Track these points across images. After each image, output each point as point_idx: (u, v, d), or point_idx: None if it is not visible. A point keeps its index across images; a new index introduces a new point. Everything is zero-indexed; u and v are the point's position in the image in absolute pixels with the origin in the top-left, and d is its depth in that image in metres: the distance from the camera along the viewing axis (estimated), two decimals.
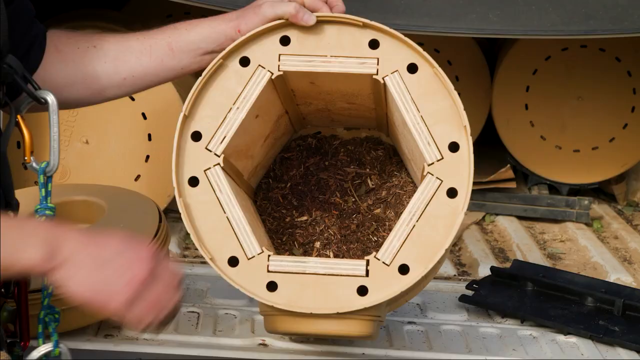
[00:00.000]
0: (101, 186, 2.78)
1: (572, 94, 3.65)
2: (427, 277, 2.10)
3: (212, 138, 1.94)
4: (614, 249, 3.30)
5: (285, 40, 1.96)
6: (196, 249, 3.03)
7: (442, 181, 1.89)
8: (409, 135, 1.97)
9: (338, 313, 1.91)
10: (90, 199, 2.57)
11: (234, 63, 1.97)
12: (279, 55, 1.95)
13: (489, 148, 3.80)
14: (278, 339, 2.35)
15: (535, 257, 3.12)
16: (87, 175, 3.05)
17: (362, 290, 1.90)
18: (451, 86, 1.92)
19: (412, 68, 1.93)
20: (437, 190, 1.89)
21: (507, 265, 2.96)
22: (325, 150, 2.39)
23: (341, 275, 1.90)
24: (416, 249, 1.89)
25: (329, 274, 1.91)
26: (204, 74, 1.96)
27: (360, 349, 2.34)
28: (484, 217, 3.52)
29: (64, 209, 2.51)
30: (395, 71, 1.93)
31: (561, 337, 2.48)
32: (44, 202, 1.74)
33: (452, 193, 1.90)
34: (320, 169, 2.33)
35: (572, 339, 2.48)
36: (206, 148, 1.93)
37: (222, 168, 1.93)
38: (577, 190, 3.72)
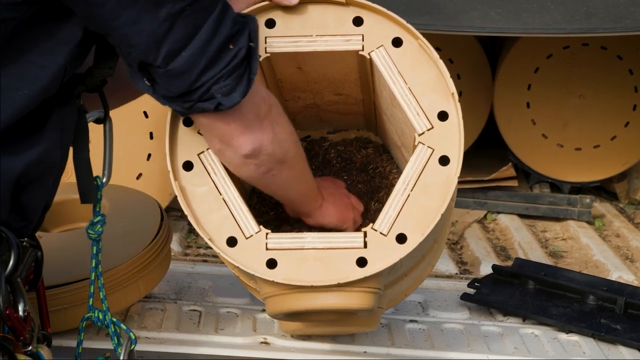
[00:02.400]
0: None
1: (573, 92, 3.65)
2: (426, 257, 2.12)
3: None
4: (616, 247, 3.30)
5: (270, 23, 1.96)
6: (198, 247, 3.06)
7: (433, 150, 1.91)
8: (399, 112, 1.98)
9: (339, 284, 1.91)
10: None
11: None
12: (265, 38, 1.96)
13: (490, 146, 3.80)
14: (280, 337, 2.36)
15: (537, 255, 3.12)
16: None
17: (362, 262, 1.91)
18: (436, 56, 1.94)
19: (397, 42, 1.96)
20: (429, 158, 1.91)
21: (509, 263, 2.96)
22: (316, 151, 2.41)
23: (340, 249, 1.90)
24: (412, 217, 1.90)
25: (327, 248, 1.92)
26: None
27: (362, 347, 2.34)
28: (485, 216, 3.52)
29: (66, 207, 2.51)
30: (381, 46, 1.95)
31: (563, 336, 2.48)
32: (100, 214, 2.00)
33: (444, 161, 1.91)
34: (311, 169, 2.36)
35: (574, 338, 2.47)
36: (199, 132, 1.94)
37: None
38: (578, 189, 3.72)
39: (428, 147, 1.91)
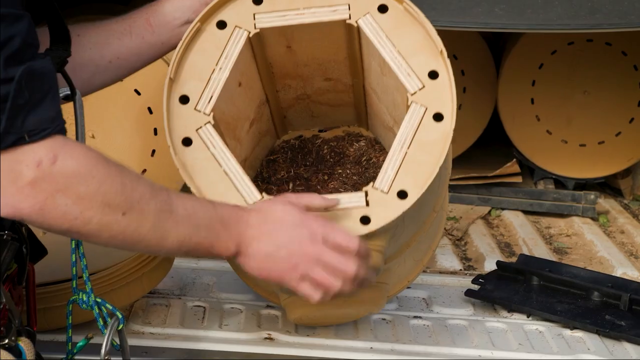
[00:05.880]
0: None
1: (578, 88, 3.64)
2: (426, 229, 2.12)
3: (199, 99, 1.97)
4: (620, 243, 3.29)
5: (258, 0, 2.00)
6: None
7: (427, 108, 1.93)
8: (389, 79, 2.00)
9: None
10: None
11: (211, 27, 2.01)
12: (254, 14, 1.99)
13: (494, 142, 3.79)
14: (284, 333, 2.36)
15: (541, 251, 3.12)
16: None
17: (365, 220, 1.91)
18: (423, 17, 1.97)
19: (383, 8, 1.99)
20: (423, 116, 1.92)
21: (513, 259, 2.96)
22: (309, 149, 2.44)
23: (342, 209, 1.90)
24: (411, 174, 1.91)
25: (330, 210, 1.91)
26: (183, 37, 2.00)
27: (367, 343, 2.34)
28: (489, 212, 3.51)
29: None
30: (367, 13, 1.98)
31: (567, 332, 2.48)
32: None
33: (438, 117, 1.93)
34: (306, 166, 2.37)
35: (579, 334, 2.47)
36: (195, 109, 1.96)
37: (213, 126, 1.97)
38: (583, 185, 3.72)
39: (421, 105, 1.93)
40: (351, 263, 1.71)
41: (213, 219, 1.66)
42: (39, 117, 1.50)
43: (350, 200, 1.90)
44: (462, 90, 3.64)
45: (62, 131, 1.54)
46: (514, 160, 3.58)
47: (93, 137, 3.07)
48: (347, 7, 1.98)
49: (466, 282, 2.72)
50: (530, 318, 2.55)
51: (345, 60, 2.16)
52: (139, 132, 3.09)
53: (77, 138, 1.85)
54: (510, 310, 2.58)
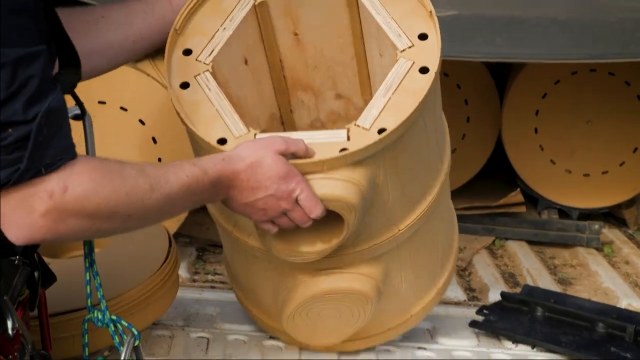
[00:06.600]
0: None
1: (581, 117, 3.65)
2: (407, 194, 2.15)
3: (201, 52, 2.08)
4: (625, 274, 3.28)
5: None
6: (206, 274, 3.05)
7: (414, 62, 2.02)
8: (386, 60, 2.06)
9: (322, 162, 1.93)
10: None
11: None
12: None
13: (498, 172, 3.79)
14: None
15: (546, 282, 3.11)
16: None
17: (344, 151, 1.96)
18: None
19: None
20: (409, 69, 2.01)
21: (518, 290, 2.95)
22: None
23: (324, 143, 1.96)
24: (393, 114, 1.97)
25: (313, 143, 1.96)
26: None
27: None
28: (493, 242, 3.51)
29: None
30: None
31: None
32: None
33: (424, 71, 2.01)
34: None
35: None
36: (196, 59, 2.06)
37: (211, 74, 2.05)
38: (587, 215, 3.71)
39: (408, 59, 2.02)
40: (309, 222, 1.93)
41: (205, 186, 1.81)
42: (55, 150, 1.57)
43: (332, 135, 1.97)
44: (465, 119, 3.65)
45: (74, 156, 1.60)
46: (518, 189, 3.58)
47: None
48: None
49: (470, 313, 2.71)
50: (534, 349, 2.53)
51: (352, 61, 2.19)
52: (143, 161, 3.09)
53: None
54: (515, 341, 2.56)
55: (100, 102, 3.01)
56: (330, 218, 1.96)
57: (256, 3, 2.12)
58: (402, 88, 1.99)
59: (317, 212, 1.90)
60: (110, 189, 1.64)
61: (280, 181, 1.86)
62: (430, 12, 2.05)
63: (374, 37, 2.15)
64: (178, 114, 1.99)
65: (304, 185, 1.88)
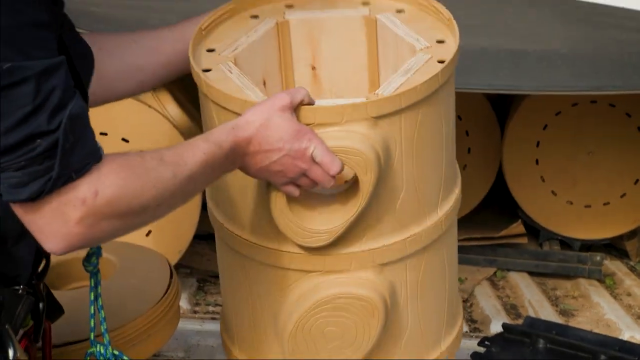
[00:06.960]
0: (112, 242, 2.77)
1: (582, 149, 3.66)
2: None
3: (224, 51, 2.10)
4: (627, 305, 3.27)
5: (290, 5, 2.19)
6: (207, 305, 3.05)
7: (431, 56, 2.03)
8: (400, 61, 2.12)
9: (342, 109, 1.92)
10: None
11: (244, 15, 2.18)
12: (284, 12, 2.17)
13: (499, 203, 3.80)
14: None
15: (548, 313, 3.10)
16: None
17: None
18: (436, 4, 2.13)
19: (400, 11, 2.18)
20: (428, 60, 2.02)
21: (519, 321, 2.94)
22: None
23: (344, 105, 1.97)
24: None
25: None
26: (221, 7, 2.15)
27: None
28: (495, 273, 3.50)
29: (76, 265, 2.51)
30: (385, 12, 2.18)
31: None
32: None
33: (442, 61, 2.02)
34: None
35: None
36: (219, 55, 2.08)
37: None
38: (589, 246, 3.71)
39: (426, 53, 2.04)
40: (331, 180, 1.90)
41: (222, 160, 1.81)
42: (81, 155, 1.58)
43: (352, 100, 1.95)
44: (466, 150, 3.66)
45: (100, 158, 1.62)
46: (519, 221, 3.58)
47: None
48: (367, 9, 2.18)
49: (472, 345, 2.69)
50: None
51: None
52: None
53: None
54: None
55: (102, 134, 3.02)
56: (341, 199, 1.96)
57: (279, 22, 2.14)
58: (421, 71, 1.98)
59: (335, 168, 1.86)
60: (138, 185, 1.66)
61: (292, 140, 1.83)
62: (449, 19, 2.07)
63: (391, 63, 2.15)
64: (198, 76, 2.00)
65: (317, 141, 1.86)
